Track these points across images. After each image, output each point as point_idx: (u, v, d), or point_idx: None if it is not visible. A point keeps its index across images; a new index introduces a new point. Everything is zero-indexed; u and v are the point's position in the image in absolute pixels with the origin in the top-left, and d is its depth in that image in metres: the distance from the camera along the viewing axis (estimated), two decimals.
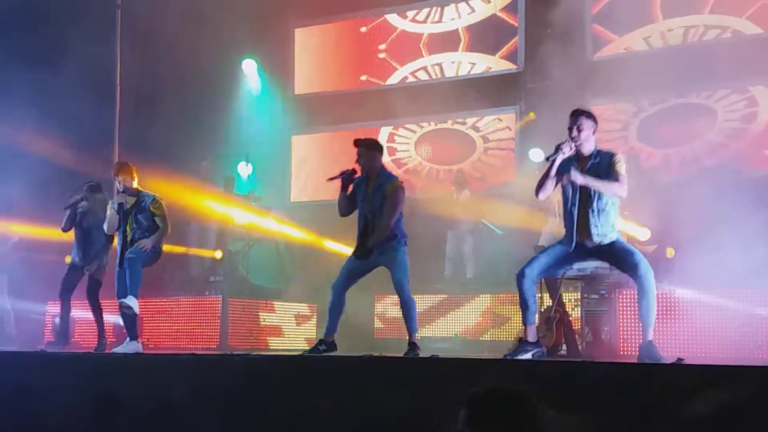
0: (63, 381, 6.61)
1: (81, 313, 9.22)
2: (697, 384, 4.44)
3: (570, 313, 7.77)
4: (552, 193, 6.12)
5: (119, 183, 7.78)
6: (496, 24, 12.74)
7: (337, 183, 6.97)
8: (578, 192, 5.83)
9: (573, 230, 5.83)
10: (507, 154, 12.58)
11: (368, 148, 6.96)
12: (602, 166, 5.78)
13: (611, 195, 5.78)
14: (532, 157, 11.37)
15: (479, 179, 12.48)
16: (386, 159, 13.29)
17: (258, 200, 11.48)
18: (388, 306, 10.17)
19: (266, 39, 13.64)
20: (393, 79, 13.39)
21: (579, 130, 5.79)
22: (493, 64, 12.67)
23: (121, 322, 7.98)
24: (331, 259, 10.27)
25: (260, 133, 13.27)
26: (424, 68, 13.22)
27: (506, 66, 12.58)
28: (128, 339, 7.72)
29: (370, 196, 6.86)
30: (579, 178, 5.70)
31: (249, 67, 13.49)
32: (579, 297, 7.99)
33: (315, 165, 13.58)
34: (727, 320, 7.27)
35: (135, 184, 7.84)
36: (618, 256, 5.78)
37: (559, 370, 5.22)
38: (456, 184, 11.64)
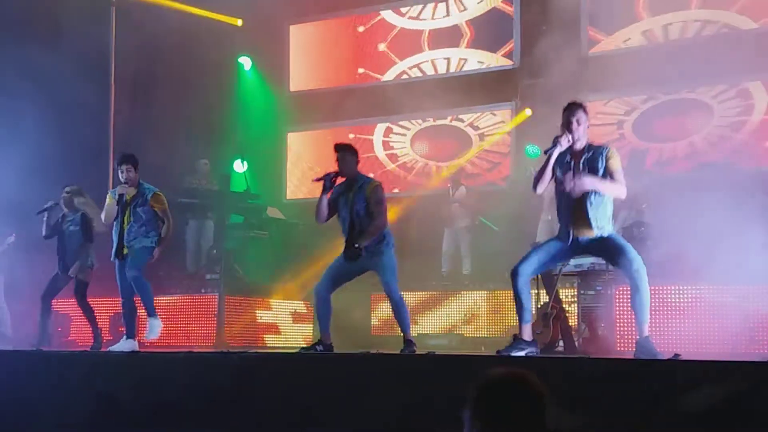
0: (59, 380, 6.60)
1: (78, 311, 9.22)
2: (694, 379, 4.45)
3: (567, 309, 7.78)
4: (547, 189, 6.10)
5: (122, 173, 7.65)
6: (498, 19, 12.70)
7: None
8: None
9: (570, 224, 5.81)
10: (503, 151, 12.58)
11: (350, 153, 6.93)
12: (596, 159, 5.77)
13: (613, 196, 5.77)
14: (528, 153, 11.39)
15: (475, 175, 12.49)
16: (381, 155, 13.34)
17: (254, 198, 11.46)
18: (385, 304, 10.16)
19: (261, 36, 13.63)
20: (391, 73, 13.37)
21: (578, 123, 5.79)
22: (494, 61, 12.65)
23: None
24: (327, 256, 10.25)
25: (255, 130, 13.25)
26: (424, 63, 13.20)
27: (502, 62, 12.58)
28: (125, 337, 7.71)
29: (351, 200, 6.84)
30: (587, 184, 5.67)
31: (244, 63, 13.48)
32: (576, 293, 8.00)
33: (310, 162, 13.58)
34: (723, 315, 7.28)
35: (137, 176, 7.73)
36: (611, 251, 5.76)
37: (555, 367, 5.23)
38: (451, 180, 11.64)
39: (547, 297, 7.51)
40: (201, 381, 6.09)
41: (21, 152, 10.58)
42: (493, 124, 12.67)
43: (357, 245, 6.67)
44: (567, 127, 5.77)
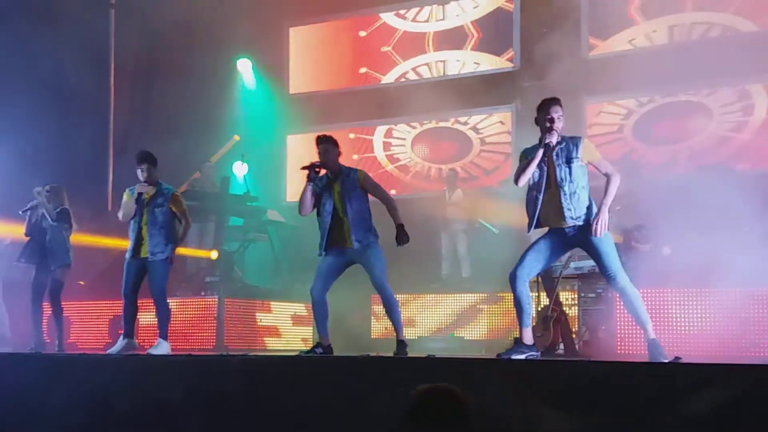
0: (58, 383, 6.58)
1: (77, 314, 9.24)
2: (695, 382, 4.44)
3: (567, 312, 7.77)
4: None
5: (142, 172, 7.59)
6: (504, 19, 12.63)
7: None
8: (545, 177, 5.81)
9: (535, 215, 5.83)
10: (503, 153, 12.57)
11: (332, 144, 6.95)
12: (569, 149, 5.79)
13: (617, 187, 5.77)
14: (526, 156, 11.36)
15: (475, 178, 12.48)
16: (381, 155, 13.33)
17: (253, 200, 11.45)
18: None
19: (261, 38, 13.62)
20: (394, 73, 13.34)
21: (559, 119, 5.82)
22: (496, 64, 12.63)
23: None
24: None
25: (255, 132, 13.25)
26: (425, 65, 13.19)
27: (503, 65, 12.58)
28: (122, 336, 7.70)
29: (340, 191, 6.82)
30: (605, 216, 5.64)
31: (244, 66, 13.48)
32: (576, 296, 7.99)
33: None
34: (723, 318, 7.27)
35: (156, 175, 7.68)
36: (593, 251, 5.75)
37: (556, 370, 5.22)
38: (448, 183, 11.62)
39: (548, 300, 7.50)
40: (201, 384, 6.07)
41: (18, 151, 10.59)
42: (491, 126, 12.65)
43: (401, 224, 6.76)
44: (550, 123, 5.78)
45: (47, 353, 8.10)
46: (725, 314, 7.27)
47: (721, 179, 8.47)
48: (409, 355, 6.69)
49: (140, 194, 7.59)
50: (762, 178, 9.55)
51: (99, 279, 10.43)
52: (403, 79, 13.26)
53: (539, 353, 6.06)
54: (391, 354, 6.61)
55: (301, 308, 10.77)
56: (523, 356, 5.72)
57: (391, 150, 13.28)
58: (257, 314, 10.27)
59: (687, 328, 7.39)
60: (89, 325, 10.31)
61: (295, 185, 13.82)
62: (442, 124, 13.02)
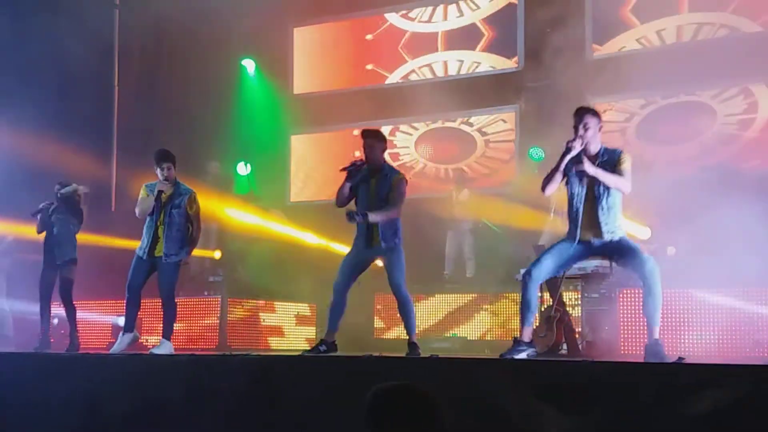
0: (60, 382, 6.58)
1: (81, 313, 9.21)
2: (698, 383, 4.42)
3: (570, 312, 7.75)
4: (554, 192, 6.09)
5: (162, 171, 7.51)
6: (515, 17, 12.61)
7: (341, 176, 6.92)
8: (585, 188, 5.79)
9: (578, 227, 5.79)
10: (507, 153, 12.56)
11: (377, 140, 6.95)
12: (610, 164, 5.76)
13: (615, 188, 5.75)
14: (531, 155, 11.36)
15: (479, 178, 12.47)
16: (387, 159, 13.32)
17: (257, 200, 11.45)
18: (388, 305, 10.14)
19: (265, 38, 13.63)
20: (400, 72, 13.32)
21: (585, 129, 5.77)
22: (505, 65, 12.60)
23: (119, 323, 7.93)
24: (330, 259, 10.25)
25: (259, 132, 13.25)
26: (431, 65, 13.16)
27: (507, 65, 12.56)
28: (123, 332, 7.68)
29: (374, 188, 6.83)
30: (590, 168, 5.65)
31: (248, 66, 13.48)
32: (579, 296, 7.97)
33: (314, 165, 13.56)
34: (728, 318, 7.26)
35: (175, 175, 7.63)
36: (625, 253, 5.75)
37: (559, 370, 5.20)
38: (455, 183, 11.62)
39: (551, 300, 7.48)
40: (204, 383, 6.07)
41: (19, 149, 10.61)
42: (501, 131, 12.62)
43: (364, 214, 6.66)
44: (575, 132, 5.77)
45: (49, 353, 8.10)
46: (730, 314, 7.25)
47: (727, 179, 8.46)
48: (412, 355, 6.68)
49: (160, 192, 7.54)
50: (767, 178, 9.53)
51: (101, 278, 10.42)
52: (408, 78, 13.24)
53: (536, 351, 6.04)
54: (392, 354, 6.61)
55: (305, 308, 10.77)
56: (524, 354, 5.71)
57: (394, 149, 13.28)
58: (261, 314, 10.27)
59: (691, 327, 7.38)
60: (92, 325, 10.31)
61: (298, 185, 13.84)
62: (448, 124, 13.01)
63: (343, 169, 6.87)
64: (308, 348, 7.37)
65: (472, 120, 12.79)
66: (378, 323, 10.50)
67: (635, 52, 11.50)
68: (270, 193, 12.68)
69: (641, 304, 5.77)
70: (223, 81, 13.36)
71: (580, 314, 7.90)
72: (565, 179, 5.90)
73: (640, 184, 8.21)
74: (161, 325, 7.64)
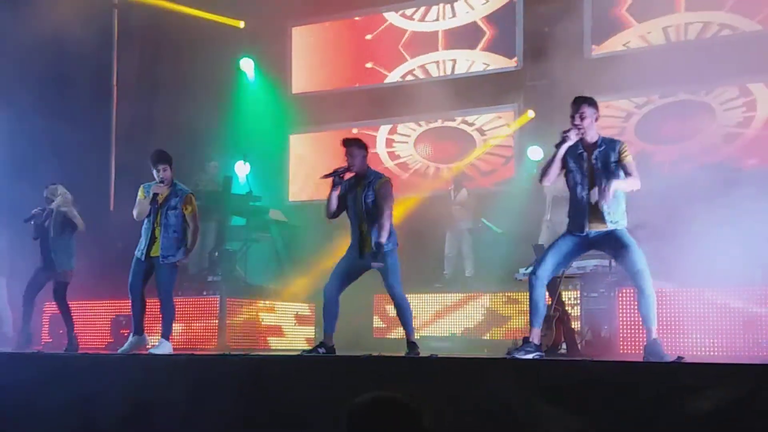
0: (58, 382, 6.57)
1: (81, 314, 9.24)
2: (698, 382, 4.42)
3: (570, 311, 7.75)
4: (548, 188, 6.10)
5: (158, 172, 7.50)
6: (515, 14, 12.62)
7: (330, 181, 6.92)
8: (587, 178, 5.78)
9: (585, 217, 5.77)
10: (506, 152, 12.56)
11: (360, 148, 6.93)
12: (608, 154, 5.76)
13: (631, 189, 5.75)
14: (530, 155, 11.37)
15: (479, 177, 12.46)
16: (383, 151, 13.32)
17: (256, 200, 11.44)
18: (388, 306, 10.14)
19: (263, 38, 13.62)
20: (400, 71, 13.30)
21: (582, 118, 5.79)
22: (504, 64, 12.58)
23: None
24: (330, 258, 10.24)
25: (258, 132, 13.24)
26: (431, 64, 13.16)
27: (506, 64, 12.55)
28: (132, 334, 7.68)
29: (361, 195, 6.83)
30: (612, 189, 5.62)
31: (246, 65, 13.47)
32: (579, 295, 7.97)
33: (313, 164, 13.55)
34: (727, 318, 7.25)
35: (172, 176, 7.61)
36: (616, 246, 5.74)
37: (558, 369, 5.20)
38: (454, 183, 11.61)
39: (550, 299, 7.47)
40: (202, 383, 6.06)
41: (17, 150, 10.59)
42: (494, 127, 12.63)
43: (380, 241, 6.64)
44: (572, 121, 5.76)
45: (47, 352, 8.09)
46: (729, 313, 7.25)
47: (726, 178, 8.45)
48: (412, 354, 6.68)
49: (155, 194, 7.54)
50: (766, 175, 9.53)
51: (100, 278, 10.41)
52: (407, 77, 13.24)
53: (543, 354, 6.05)
54: (392, 353, 6.60)
55: (304, 308, 10.76)
56: (530, 356, 5.70)
57: (393, 147, 13.27)
58: (259, 314, 10.26)
59: (690, 326, 7.37)
60: (91, 325, 10.30)
61: (297, 185, 13.84)
62: (448, 123, 13.00)
63: (325, 176, 6.87)
64: (308, 348, 7.36)
65: (471, 119, 12.78)
66: (378, 323, 10.49)
67: (633, 51, 11.50)
68: (269, 193, 12.67)
69: (634, 302, 5.76)
70: (221, 81, 13.35)
71: (579, 313, 7.90)
72: (564, 170, 5.89)
73: (640, 184, 8.21)
74: (159, 328, 7.63)
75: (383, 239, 6.67)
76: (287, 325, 10.57)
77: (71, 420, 6.27)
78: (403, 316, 6.84)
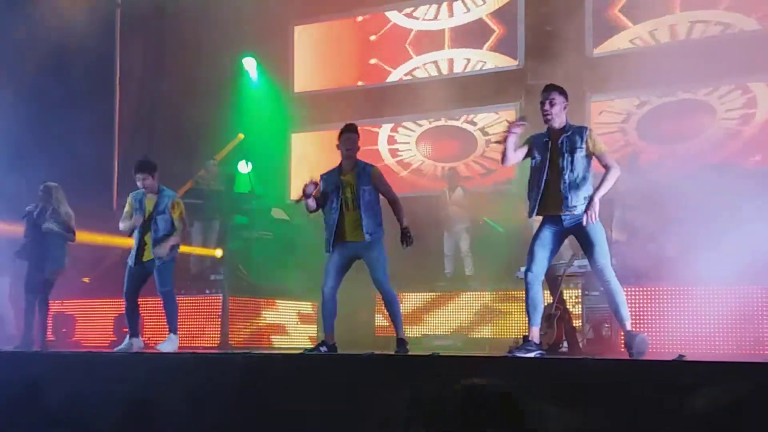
0: (60, 380, 6.59)
1: (80, 313, 9.25)
2: (698, 380, 4.43)
3: (571, 310, 7.77)
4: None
5: (139, 182, 7.59)
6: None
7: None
8: (547, 163, 5.86)
9: (536, 202, 5.89)
10: (498, 157, 12.52)
11: (357, 132, 6.97)
12: (575, 140, 5.83)
13: (614, 180, 5.81)
14: None
15: (477, 177, 12.46)
16: (384, 150, 13.33)
17: (258, 198, 11.46)
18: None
19: (266, 36, 13.63)
20: (404, 68, 13.31)
21: (551, 104, 5.90)
22: (507, 63, 12.57)
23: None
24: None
25: (260, 131, 13.26)
26: (432, 63, 13.16)
27: (507, 62, 12.55)
28: (128, 336, 7.72)
29: (356, 181, 6.82)
30: (598, 202, 5.71)
31: (249, 64, 13.49)
32: (580, 294, 7.99)
33: (315, 163, 13.55)
34: (727, 316, 7.27)
35: (155, 183, 7.66)
36: (585, 240, 5.81)
37: (560, 367, 5.22)
38: (448, 182, 11.61)
39: (551, 298, 7.50)
40: (205, 382, 6.08)
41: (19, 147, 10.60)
42: (495, 124, 12.63)
43: (406, 226, 6.77)
44: (541, 106, 5.89)
45: (50, 351, 8.11)
46: (729, 312, 7.26)
47: (727, 177, 8.47)
48: (414, 353, 6.69)
49: (140, 202, 7.64)
50: (765, 174, 9.55)
51: (104, 277, 10.44)
52: (410, 76, 13.24)
53: (544, 353, 6.06)
54: (393, 352, 6.62)
55: (307, 306, 10.78)
56: (532, 354, 5.72)
57: (395, 145, 13.28)
58: (262, 312, 10.28)
59: (690, 325, 7.39)
60: (94, 324, 10.34)
61: (299, 183, 13.82)
62: (451, 122, 13.00)
63: (298, 200, 6.95)
64: (311, 346, 7.38)
65: (475, 119, 12.78)
66: (380, 321, 10.51)
67: (634, 50, 11.51)
68: (271, 192, 12.69)
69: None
70: (223, 79, 13.36)
71: (580, 312, 7.92)
72: (527, 156, 5.99)
73: (640, 182, 8.25)
74: (165, 324, 7.68)
75: (406, 222, 6.78)
76: (290, 323, 10.60)
77: (70, 419, 6.29)
78: (393, 310, 6.86)
